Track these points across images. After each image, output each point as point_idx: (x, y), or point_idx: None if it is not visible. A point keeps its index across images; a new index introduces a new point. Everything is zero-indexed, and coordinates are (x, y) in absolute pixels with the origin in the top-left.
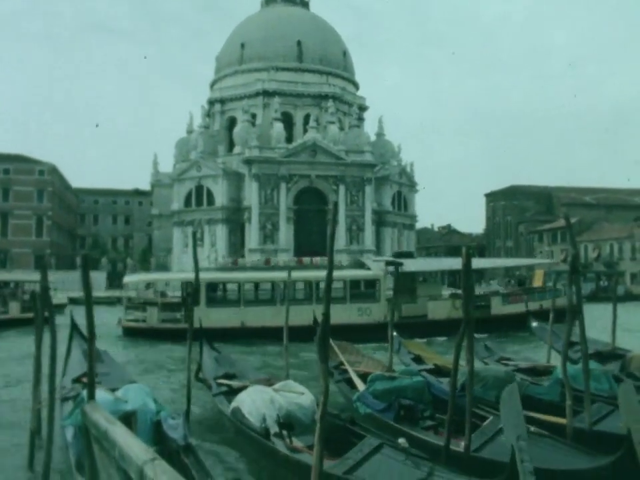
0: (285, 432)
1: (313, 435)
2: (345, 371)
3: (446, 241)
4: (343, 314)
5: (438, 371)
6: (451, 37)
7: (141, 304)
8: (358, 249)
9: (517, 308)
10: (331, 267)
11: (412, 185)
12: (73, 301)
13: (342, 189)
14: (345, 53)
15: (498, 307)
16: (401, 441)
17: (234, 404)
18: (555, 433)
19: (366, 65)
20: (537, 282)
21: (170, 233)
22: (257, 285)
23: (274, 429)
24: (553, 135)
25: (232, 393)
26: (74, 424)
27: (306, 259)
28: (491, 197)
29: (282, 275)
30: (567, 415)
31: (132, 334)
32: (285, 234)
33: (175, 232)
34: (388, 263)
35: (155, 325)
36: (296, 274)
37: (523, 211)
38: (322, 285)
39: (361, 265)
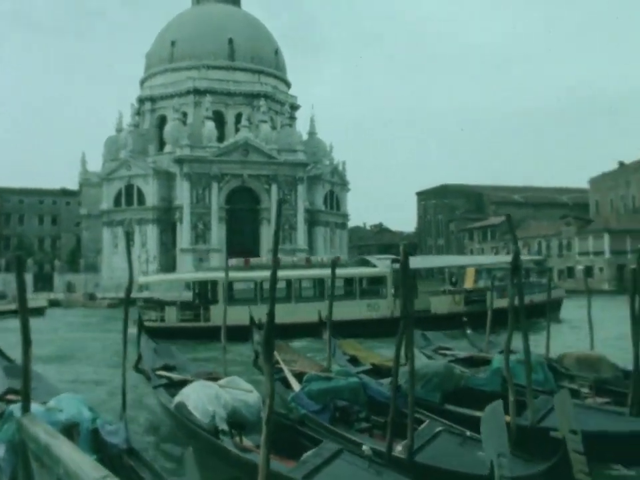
0: (234, 431)
1: (257, 435)
2: (281, 370)
3: (378, 239)
4: (353, 310)
5: (376, 371)
6: (383, 36)
7: (159, 304)
8: (290, 248)
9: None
10: (275, 266)
11: (344, 184)
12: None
13: (274, 188)
14: (276, 52)
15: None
16: (365, 448)
17: (178, 398)
18: None
19: (298, 64)
20: (468, 281)
21: (99, 233)
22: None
23: (223, 426)
24: (483, 135)
25: (172, 386)
26: (3, 440)
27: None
28: (422, 196)
29: (294, 273)
30: (510, 413)
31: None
32: (217, 234)
33: (105, 232)
34: (393, 261)
35: (174, 324)
36: (304, 272)
37: (453, 210)
38: (329, 283)
39: (364, 263)
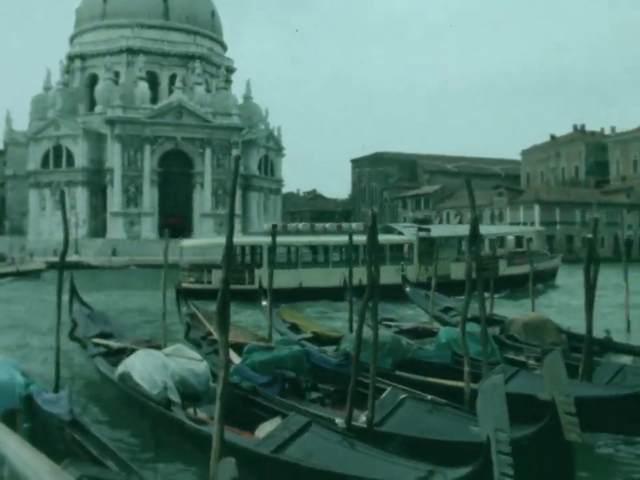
0: (187, 402)
1: (215, 406)
2: (215, 342)
3: (311, 206)
4: (384, 275)
5: (317, 340)
6: (318, 1)
7: (205, 267)
8: (224, 212)
9: (521, 269)
10: (231, 231)
11: (279, 150)
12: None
13: (208, 152)
14: (213, 13)
15: (503, 268)
16: (338, 420)
17: (122, 368)
18: (450, 400)
19: (234, 26)
20: None
21: (25, 194)
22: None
23: (174, 397)
24: (418, 104)
25: (111, 354)
26: None
27: (345, 225)
28: (357, 163)
29: (332, 238)
30: (465, 382)
31: (191, 295)
32: (149, 197)
33: (31, 194)
34: (420, 230)
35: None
36: (339, 238)
37: (387, 178)
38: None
39: (388, 230)
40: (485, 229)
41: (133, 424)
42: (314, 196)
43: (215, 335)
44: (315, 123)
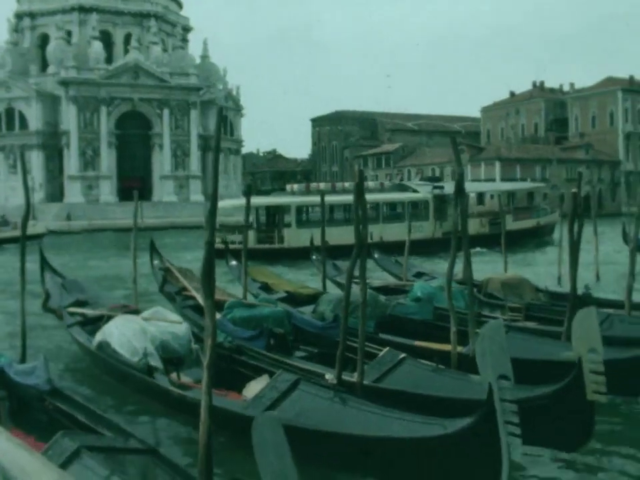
0: (169, 367)
1: (198, 369)
2: (189, 298)
3: (271, 166)
4: (402, 231)
5: (291, 299)
6: None
7: (237, 227)
8: (184, 174)
9: (525, 224)
10: (215, 194)
11: (238, 109)
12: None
13: (166, 112)
14: None
15: (509, 223)
16: (328, 376)
17: (100, 337)
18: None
19: None
20: None
21: None
22: (331, 207)
23: (155, 363)
24: (378, 62)
25: (88, 323)
26: None
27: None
28: (317, 122)
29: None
30: (452, 343)
31: (217, 255)
32: (107, 160)
33: None
34: (435, 187)
35: (252, 246)
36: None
37: (348, 136)
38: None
39: (402, 188)
40: (496, 185)
41: (114, 393)
42: (274, 156)
43: (191, 291)
44: (274, 83)
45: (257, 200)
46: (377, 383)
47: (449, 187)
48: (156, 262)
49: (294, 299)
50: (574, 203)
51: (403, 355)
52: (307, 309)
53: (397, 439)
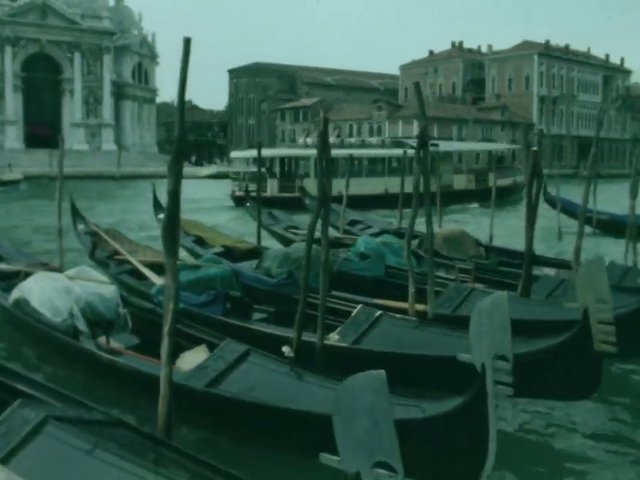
0: (98, 331)
1: (127, 334)
2: (122, 262)
3: (187, 117)
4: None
5: (229, 254)
6: None
7: (262, 176)
8: (96, 122)
9: (505, 182)
10: (182, 134)
11: (153, 57)
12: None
13: (77, 57)
14: None
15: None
16: (285, 349)
17: (17, 293)
18: None
19: None
20: None
21: None
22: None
23: (81, 326)
24: (298, 13)
25: (2, 278)
26: None
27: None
28: (234, 74)
29: (378, 151)
30: (410, 303)
31: (240, 202)
32: (13, 104)
33: None
34: (431, 145)
35: (275, 195)
36: (376, 151)
37: (266, 89)
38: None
39: (399, 145)
40: (479, 146)
41: (33, 357)
42: (189, 107)
43: (124, 255)
44: (190, 31)
45: (275, 151)
46: (357, 345)
47: (444, 145)
48: (81, 226)
49: (231, 253)
50: (533, 161)
51: (379, 312)
52: (247, 265)
53: None
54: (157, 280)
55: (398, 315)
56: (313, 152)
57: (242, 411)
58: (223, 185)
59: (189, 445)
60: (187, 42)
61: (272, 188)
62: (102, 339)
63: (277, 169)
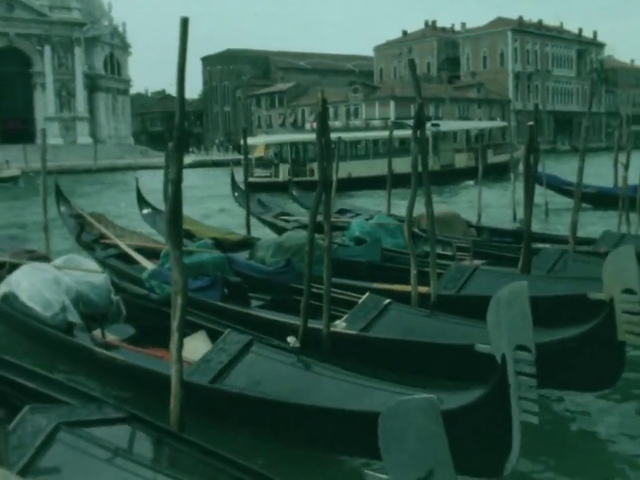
0: (92, 325)
1: (122, 324)
2: (109, 246)
3: (162, 106)
4: (402, 164)
5: (219, 245)
6: None
7: (273, 162)
8: (70, 116)
9: (502, 158)
10: (181, 121)
11: (125, 47)
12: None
13: (47, 50)
14: None
15: (490, 157)
16: (290, 339)
17: (4, 288)
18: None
19: None
20: (259, 151)
21: None
22: (355, 142)
23: (75, 319)
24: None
25: None
26: None
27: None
28: (207, 61)
29: (374, 134)
30: (412, 285)
31: (257, 189)
32: None
33: None
34: (432, 125)
35: (287, 179)
36: (376, 133)
37: (240, 76)
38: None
39: (400, 126)
40: (476, 124)
41: (25, 354)
42: (164, 96)
43: (111, 238)
44: (161, 19)
45: (283, 137)
46: (366, 332)
47: (445, 125)
48: (63, 208)
49: (221, 246)
50: (530, 135)
51: (387, 300)
52: (239, 256)
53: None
54: (148, 264)
55: (406, 304)
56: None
57: (250, 407)
58: (213, 173)
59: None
60: (185, 22)
61: (284, 173)
62: (97, 332)
63: (286, 155)
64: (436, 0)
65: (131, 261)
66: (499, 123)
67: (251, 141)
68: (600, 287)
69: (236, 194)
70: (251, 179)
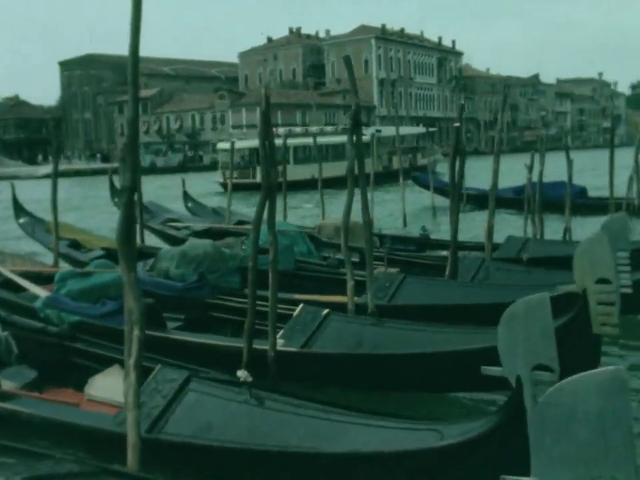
0: None
1: (15, 366)
2: None
3: (16, 113)
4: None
5: (111, 257)
6: None
7: (250, 164)
8: None
9: (426, 161)
10: (135, 128)
11: None
12: None
13: None
14: None
15: (420, 160)
16: (241, 373)
17: None
18: None
19: None
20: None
21: None
22: (327, 146)
23: None
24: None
25: None
26: None
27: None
28: (66, 66)
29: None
30: (349, 297)
31: (239, 189)
32: None
33: None
34: (376, 131)
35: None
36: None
37: (101, 81)
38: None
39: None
40: (408, 130)
41: None
42: (17, 102)
43: None
44: (13, 19)
45: (256, 142)
46: (308, 348)
47: (385, 131)
48: None
49: (113, 256)
50: (456, 137)
51: (326, 310)
52: (141, 272)
53: (367, 456)
54: (39, 291)
55: (344, 314)
56: (293, 142)
57: (203, 456)
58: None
59: None
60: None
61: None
62: None
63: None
64: (300, 7)
65: (17, 288)
66: (421, 129)
67: (221, 145)
68: (528, 293)
69: (116, 199)
70: (235, 181)
